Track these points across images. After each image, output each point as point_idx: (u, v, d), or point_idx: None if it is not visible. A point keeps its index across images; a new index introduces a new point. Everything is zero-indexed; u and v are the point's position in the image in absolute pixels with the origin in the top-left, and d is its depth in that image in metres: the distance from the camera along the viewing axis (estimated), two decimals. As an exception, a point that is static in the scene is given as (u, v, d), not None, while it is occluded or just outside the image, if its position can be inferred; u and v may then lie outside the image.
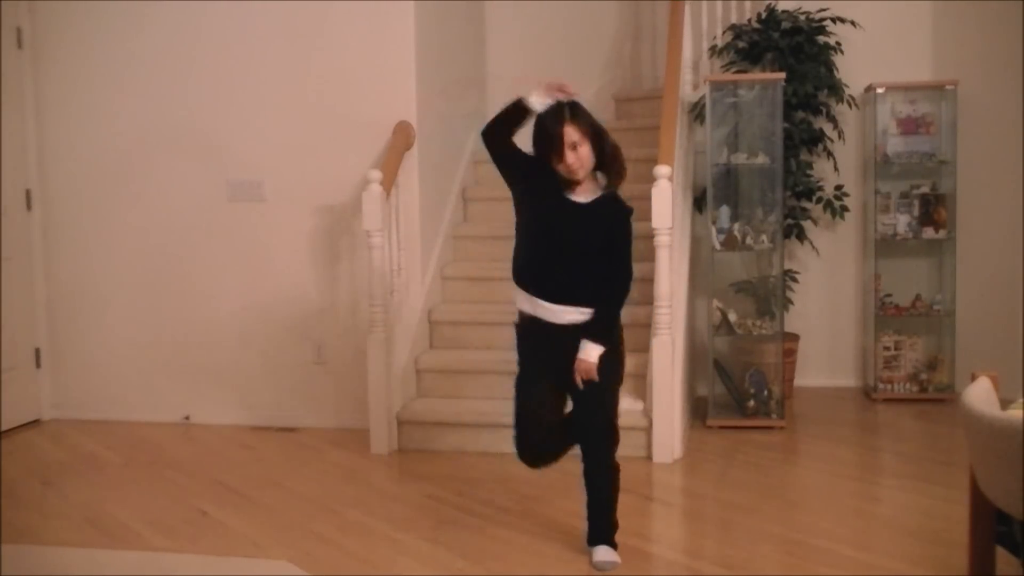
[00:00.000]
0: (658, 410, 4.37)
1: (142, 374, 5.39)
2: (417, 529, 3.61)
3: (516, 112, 3.12)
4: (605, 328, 3.15)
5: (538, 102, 3.08)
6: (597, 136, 3.07)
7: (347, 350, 5.11)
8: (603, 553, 3.23)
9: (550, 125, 3.03)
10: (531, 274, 3.16)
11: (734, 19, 5.75)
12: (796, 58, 5.35)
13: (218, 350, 5.28)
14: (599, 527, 3.28)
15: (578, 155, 3.03)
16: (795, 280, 5.54)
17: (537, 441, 3.29)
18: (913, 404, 5.41)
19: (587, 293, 3.13)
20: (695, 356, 5.37)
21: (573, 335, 3.12)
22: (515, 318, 3.28)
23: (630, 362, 4.54)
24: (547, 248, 3.12)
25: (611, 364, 3.19)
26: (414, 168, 5.01)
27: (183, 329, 5.32)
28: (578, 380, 3.14)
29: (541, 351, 3.20)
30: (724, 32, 5.70)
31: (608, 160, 3.10)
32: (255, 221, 5.19)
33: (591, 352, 3.12)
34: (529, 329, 3.20)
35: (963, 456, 2.63)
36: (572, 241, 3.10)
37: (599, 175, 3.14)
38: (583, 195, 3.13)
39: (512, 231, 3.29)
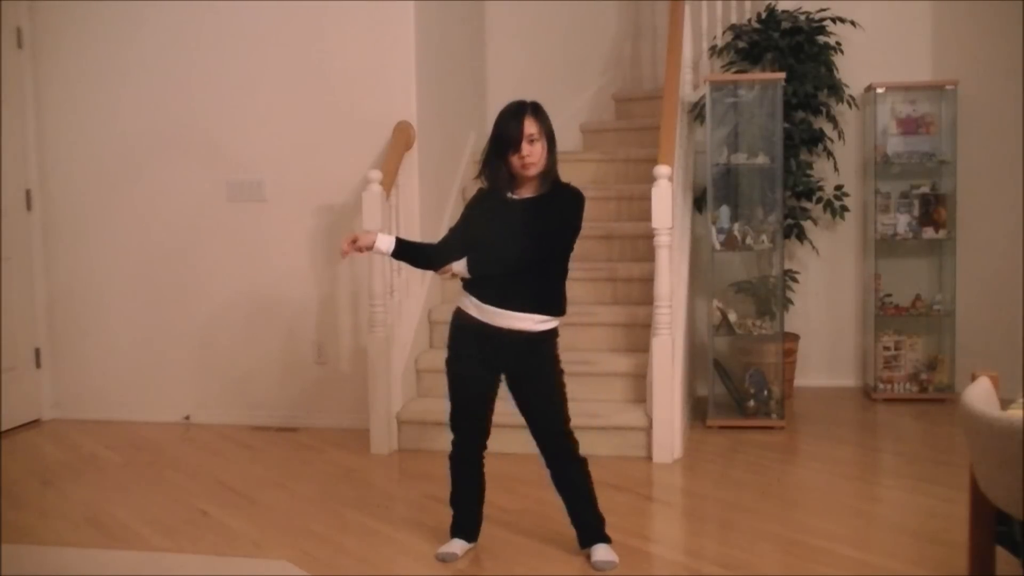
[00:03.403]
0: (658, 410, 4.37)
1: (142, 374, 5.39)
2: (417, 529, 3.61)
3: (401, 254, 3.24)
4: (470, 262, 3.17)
5: (383, 242, 3.18)
6: (550, 138, 3.10)
7: (347, 350, 5.11)
8: (602, 552, 3.23)
9: (511, 117, 3.05)
10: (489, 282, 3.12)
11: (734, 19, 5.75)
12: (796, 58, 5.35)
13: (218, 350, 5.28)
14: (589, 525, 3.28)
15: (534, 149, 3.04)
16: (795, 280, 5.54)
17: (484, 431, 3.28)
18: (913, 404, 5.41)
19: (541, 298, 3.12)
20: (695, 356, 5.37)
21: (519, 342, 3.12)
22: (454, 317, 3.24)
23: (630, 362, 4.61)
24: (505, 252, 3.08)
25: (552, 369, 3.20)
26: (414, 168, 5.01)
27: (183, 329, 5.32)
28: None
29: (485, 351, 3.16)
30: (724, 32, 5.70)
31: (550, 167, 3.11)
32: (255, 221, 5.19)
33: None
34: (474, 331, 3.16)
35: (963, 456, 2.63)
36: (526, 233, 3.07)
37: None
38: (531, 192, 3.13)
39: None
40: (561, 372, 3.23)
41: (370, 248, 3.18)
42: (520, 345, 3.13)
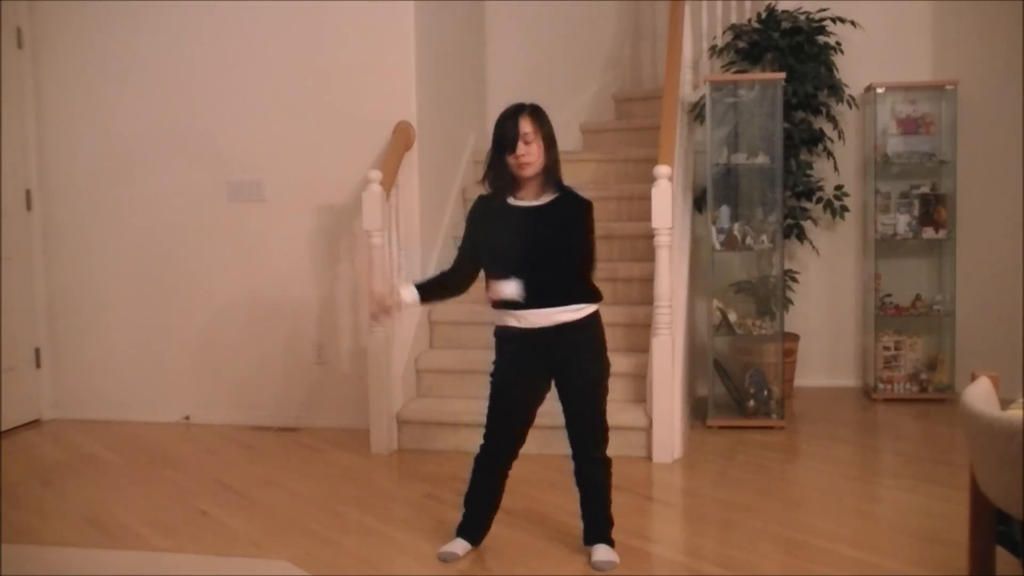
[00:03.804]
0: (658, 410, 4.37)
1: (142, 374, 5.39)
2: (417, 529, 3.61)
3: (426, 297, 3.25)
4: (551, 286, 3.17)
5: (407, 295, 3.19)
6: (549, 140, 3.10)
7: (347, 350, 5.11)
8: (602, 552, 3.23)
9: (507, 117, 3.09)
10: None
11: (734, 19, 5.75)
12: (796, 58, 5.35)
13: (218, 350, 5.28)
14: (597, 524, 3.29)
15: (529, 149, 3.06)
16: (795, 280, 5.54)
17: (517, 441, 3.29)
18: (913, 404, 5.41)
19: (569, 289, 3.14)
20: (695, 356, 5.37)
21: (563, 334, 3.13)
22: (496, 331, 3.26)
23: (630, 362, 4.60)
24: (517, 260, 3.10)
25: (597, 360, 3.21)
26: (414, 168, 5.01)
27: (183, 329, 5.32)
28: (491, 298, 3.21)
29: (530, 355, 3.18)
30: (724, 32, 5.70)
31: (551, 167, 3.12)
32: (255, 221, 5.19)
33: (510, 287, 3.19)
34: (517, 338, 3.18)
35: (963, 456, 2.63)
36: (536, 242, 3.10)
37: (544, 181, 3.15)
38: (535, 198, 3.14)
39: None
40: (607, 365, 3.22)
41: (399, 308, 3.21)
42: (563, 337, 3.13)
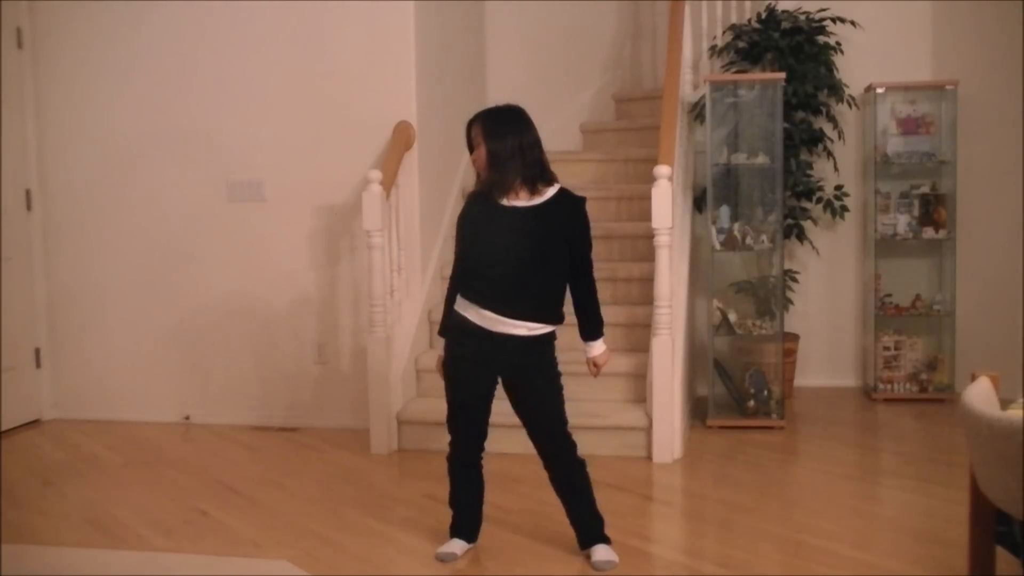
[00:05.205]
0: (658, 410, 4.37)
1: (142, 374, 5.39)
2: (417, 529, 3.61)
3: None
4: (601, 323, 3.29)
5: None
6: (495, 141, 3.11)
7: (347, 350, 5.11)
8: (602, 552, 3.23)
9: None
10: (487, 287, 3.14)
11: (734, 19, 5.75)
12: (796, 58, 5.35)
13: (218, 350, 5.28)
14: (588, 526, 3.29)
15: (477, 154, 3.16)
16: (795, 280, 5.54)
17: (481, 431, 3.29)
18: (913, 404, 5.41)
19: (538, 307, 3.14)
20: (695, 356, 5.37)
21: (517, 344, 3.13)
22: (453, 319, 3.25)
23: (630, 362, 4.61)
24: (504, 260, 3.12)
25: (549, 367, 3.22)
26: (414, 168, 5.01)
27: (183, 329, 5.32)
28: (595, 374, 3.35)
29: (483, 352, 3.17)
30: (724, 32, 5.70)
31: (529, 167, 3.12)
32: (255, 221, 5.19)
33: (598, 348, 3.30)
34: (471, 333, 3.17)
35: (963, 456, 2.63)
36: (520, 246, 3.11)
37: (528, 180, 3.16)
38: (527, 199, 3.14)
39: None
40: (559, 374, 3.24)
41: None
42: (516, 348, 3.14)
